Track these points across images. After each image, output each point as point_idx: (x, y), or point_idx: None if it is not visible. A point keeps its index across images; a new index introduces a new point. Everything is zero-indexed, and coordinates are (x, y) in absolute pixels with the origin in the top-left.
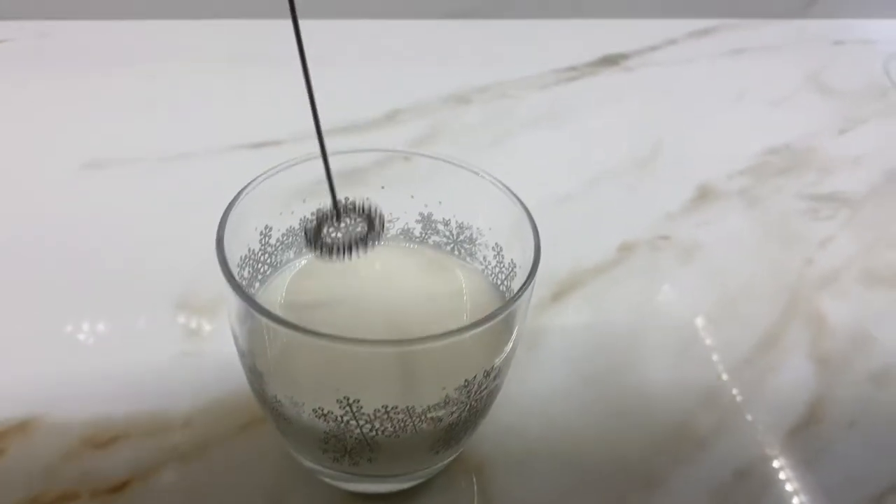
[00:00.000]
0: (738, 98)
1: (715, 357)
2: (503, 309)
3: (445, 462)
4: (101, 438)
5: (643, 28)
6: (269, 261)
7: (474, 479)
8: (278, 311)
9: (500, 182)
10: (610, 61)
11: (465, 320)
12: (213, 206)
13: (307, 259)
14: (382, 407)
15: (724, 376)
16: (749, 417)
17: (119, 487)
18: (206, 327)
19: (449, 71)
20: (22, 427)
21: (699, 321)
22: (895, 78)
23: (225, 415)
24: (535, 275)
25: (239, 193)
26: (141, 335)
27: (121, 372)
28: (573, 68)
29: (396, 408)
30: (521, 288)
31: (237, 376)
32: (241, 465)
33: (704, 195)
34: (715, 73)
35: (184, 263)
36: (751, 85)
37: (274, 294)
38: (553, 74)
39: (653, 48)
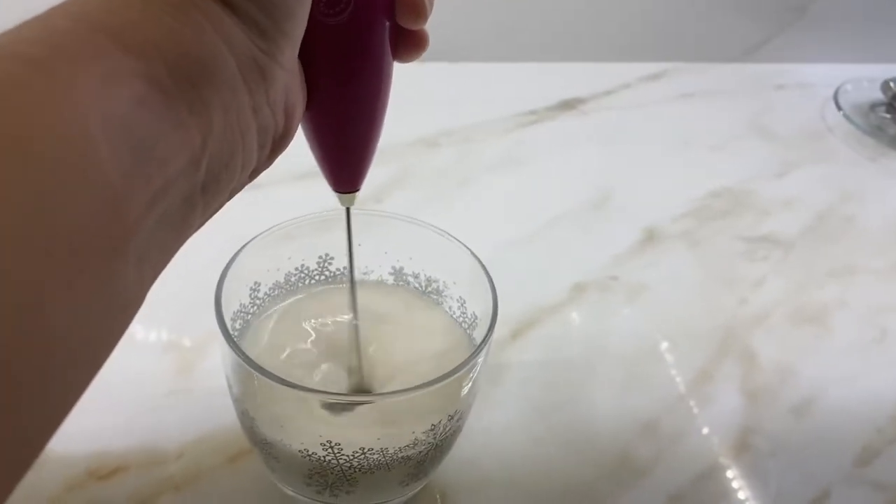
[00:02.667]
0: (685, 142)
1: (657, 391)
2: (464, 364)
3: (413, 492)
4: (104, 471)
5: (599, 72)
6: (256, 312)
7: None
8: (265, 353)
9: (462, 242)
10: (567, 105)
11: (433, 359)
12: (202, 247)
13: (288, 302)
14: (360, 449)
15: (665, 409)
16: (685, 447)
17: None
18: (197, 364)
19: (417, 115)
20: None
21: (643, 358)
22: (830, 122)
23: (215, 447)
24: (493, 329)
25: (233, 257)
26: (137, 373)
27: (119, 408)
28: (533, 112)
29: (372, 449)
30: (481, 343)
31: (226, 411)
32: (230, 494)
33: (650, 237)
34: (664, 117)
35: (176, 303)
36: (697, 129)
37: (260, 338)
38: (514, 118)
39: (607, 92)
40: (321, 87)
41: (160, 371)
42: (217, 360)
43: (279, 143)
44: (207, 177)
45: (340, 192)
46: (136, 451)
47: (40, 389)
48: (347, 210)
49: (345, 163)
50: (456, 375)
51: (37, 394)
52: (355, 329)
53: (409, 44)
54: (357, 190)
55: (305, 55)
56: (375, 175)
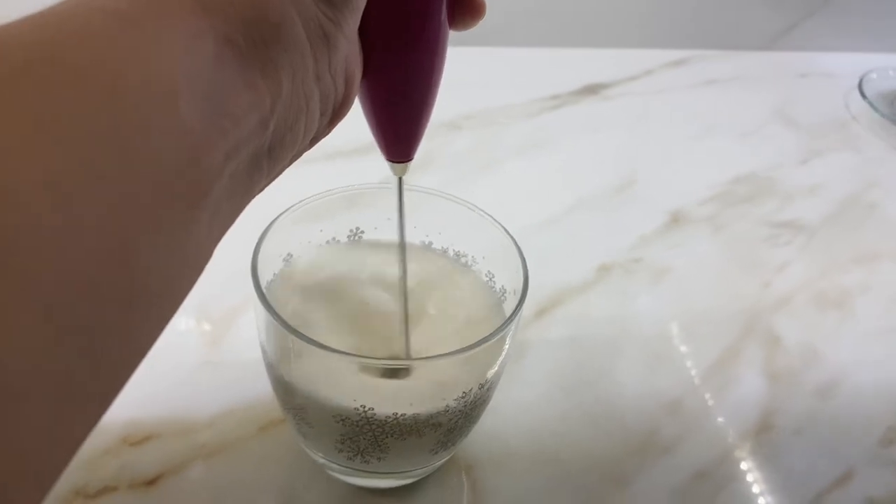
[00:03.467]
0: (709, 128)
1: (680, 371)
2: (497, 332)
3: (442, 461)
4: (136, 437)
5: (623, 58)
6: (290, 280)
7: (464, 477)
8: (300, 317)
9: (492, 217)
10: (591, 90)
11: (468, 327)
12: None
13: (322, 268)
14: (393, 414)
15: (688, 389)
16: (708, 426)
17: (152, 481)
18: (228, 337)
19: (440, 98)
20: None
21: (667, 338)
22: (854, 110)
23: (245, 417)
24: (525, 294)
25: (268, 226)
26: (169, 344)
27: (152, 378)
28: (556, 97)
29: (405, 415)
30: (512, 313)
31: (256, 382)
32: (260, 462)
33: (675, 220)
34: (687, 103)
35: (208, 275)
36: (720, 115)
37: (296, 304)
38: (538, 102)
39: (631, 78)
40: (378, 55)
41: (192, 342)
42: (247, 333)
43: (339, 111)
44: (274, 138)
45: (393, 162)
46: (168, 419)
47: (119, 334)
48: (399, 180)
49: (399, 132)
50: (490, 342)
51: (118, 339)
52: (399, 296)
53: (466, 11)
54: (410, 159)
55: (363, 23)
56: None
